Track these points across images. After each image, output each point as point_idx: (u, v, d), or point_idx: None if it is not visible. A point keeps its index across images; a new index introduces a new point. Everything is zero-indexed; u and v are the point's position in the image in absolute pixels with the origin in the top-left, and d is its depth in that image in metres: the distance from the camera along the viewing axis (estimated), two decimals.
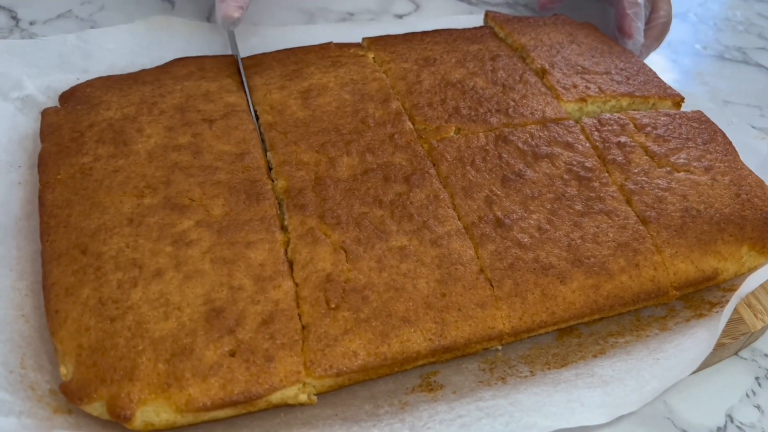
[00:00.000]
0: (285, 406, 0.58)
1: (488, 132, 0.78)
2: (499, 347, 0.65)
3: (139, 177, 0.69)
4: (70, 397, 0.54)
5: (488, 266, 0.65)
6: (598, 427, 0.61)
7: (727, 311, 0.65)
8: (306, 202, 0.67)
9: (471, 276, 0.64)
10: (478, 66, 0.88)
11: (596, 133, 0.79)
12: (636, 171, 0.75)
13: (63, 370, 0.56)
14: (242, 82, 0.83)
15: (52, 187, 0.68)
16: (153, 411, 0.54)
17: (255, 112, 0.79)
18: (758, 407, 0.67)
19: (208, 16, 1.11)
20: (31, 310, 0.63)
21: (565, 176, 0.73)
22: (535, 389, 0.61)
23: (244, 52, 0.94)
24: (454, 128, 0.78)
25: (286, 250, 0.64)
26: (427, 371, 0.64)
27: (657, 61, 1.17)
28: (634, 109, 0.86)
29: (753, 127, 0.96)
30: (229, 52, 0.92)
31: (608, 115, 0.82)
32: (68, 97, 0.80)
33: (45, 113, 0.77)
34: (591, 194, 0.72)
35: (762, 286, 0.72)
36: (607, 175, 0.74)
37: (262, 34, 1.01)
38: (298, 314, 0.59)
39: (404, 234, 0.66)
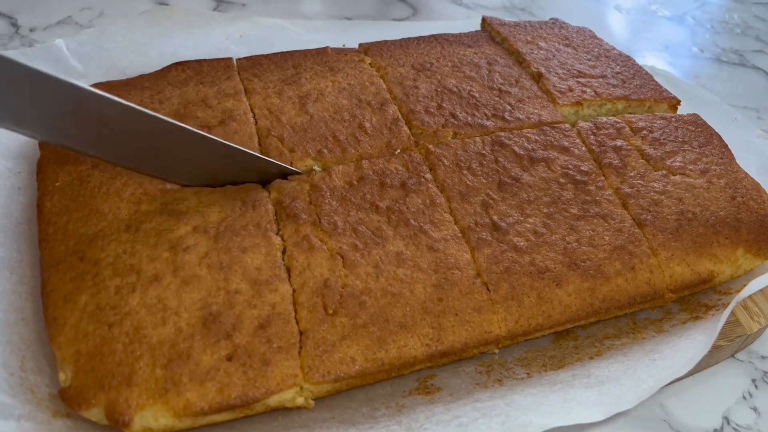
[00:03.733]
0: (283, 409, 0.59)
1: (485, 136, 0.78)
2: (496, 350, 0.66)
3: (136, 184, 0.69)
4: (68, 403, 0.54)
5: (485, 270, 0.65)
6: (594, 428, 0.62)
7: (726, 313, 0.65)
8: (299, 211, 0.68)
9: (467, 280, 0.64)
10: (475, 70, 0.89)
11: (592, 136, 0.79)
12: (632, 174, 0.75)
13: (62, 376, 0.56)
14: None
15: (51, 195, 0.69)
16: (151, 416, 0.54)
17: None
18: (755, 409, 0.67)
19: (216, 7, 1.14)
20: (31, 313, 0.63)
21: (561, 180, 0.74)
22: (532, 390, 0.62)
23: (242, 44, 0.95)
24: (451, 133, 0.79)
25: (283, 255, 0.65)
26: (424, 374, 0.65)
27: (654, 64, 1.17)
28: (630, 113, 0.87)
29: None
30: (229, 54, 0.92)
31: (604, 119, 0.82)
32: None
33: None
34: (587, 198, 0.72)
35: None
36: (603, 178, 0.74)
37: (261, 27, 1.02)
38: (296, 319, 0.60)
39: (401, 239, 0.66)
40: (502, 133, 0.79)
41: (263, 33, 1.03)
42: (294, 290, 0.62)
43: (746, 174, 0.77)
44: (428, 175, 0.73)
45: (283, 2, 1.23)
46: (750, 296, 0.72)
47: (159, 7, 1.04)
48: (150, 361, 0.56)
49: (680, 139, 0.80)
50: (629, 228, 0.69)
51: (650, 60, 1.21)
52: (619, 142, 0.79)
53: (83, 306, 0.59)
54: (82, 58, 0.91)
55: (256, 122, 0.78)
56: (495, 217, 0.69)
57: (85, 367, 0.56)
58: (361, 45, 0.94)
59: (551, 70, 0.89)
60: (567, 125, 0.81)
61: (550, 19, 1.04)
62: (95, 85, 0.82)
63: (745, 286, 0.68)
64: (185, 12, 1.01)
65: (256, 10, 1.20)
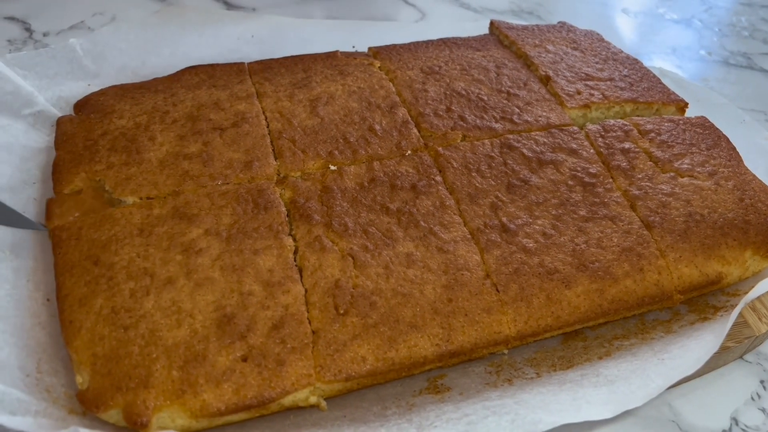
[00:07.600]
0: (295, 408, 0.59)
1: (493, 139, 0.79)
2: (505, 351, 0.66)
3: (150, 185, 0.70)
4: (86, 405, 0.55)
5: (494, 271, 0.66)
6: (604, 428, 0.62)
7: (735, 313, 0.65)
8: (312, 211, 0.69)
9: (477, 281, 0.64)
10: (483, 74, 0.89)
11: (600, 139, 0.80)
12: (640, 176, 0.75)
13: (79, 378, 0.57)
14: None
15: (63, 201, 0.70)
16: (168, 417, 0.55)
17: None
18: (763, 410, 0.67)
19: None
20: (47, 317, 0.64)
21: (570, 182, 0.74)
22: (541, 389, 0.62)
23: (254, 43, 0.97)
24: (460, 135, 0.79)
25: (295, 256, 0.65)
26: (434, 375, 0.65)
27: (662, 67, 1.17)
28: (638, 115, 0.87)
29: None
30: (241, 54, 0.94)
31: (612, 122, 0.83)
32: (82, 105, 0.82)
33: (60, 121, 0.79)
34: (595, 200, 0.73)
35: None
36: (611, 180, 0.75)
37: (272, 27, 1.04)
38: (308, 319, 0.61)
39: (411, 240, 0.67)
40: (511, 136, 0.79)
41: (274, 33, 1.04)
42: (306, 290, 0.62)
43: (754, 176, 0.77)
44: (438, 177, 0.74)
45: (292, 6, 1.24)
46: (758, 298, 0.72)
47: (171, 6, 1.05)
48: (166, 363, 0.56)
49: (688, 142, 0.80)
50: (637, 230, 0.70)
51: (658, 63, 1.21)
52: (627, 145, 0.79)
53: (98, 309, 0.60)
54: (96, 58, 0.92)
55: (268, 125, 0.79)
56: (504, 219, 0.70)
57: (102, 369, 0.56)
58: (370, 49, 0.95)
59: (559, 73, 0.90)
60: (575, 128, 0.81)
61: (558, 22, 1.04)
62: (110, 88, 0.84)
63: (753, 288, 0.68)
64: (197, 11, 1.02)
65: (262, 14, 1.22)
